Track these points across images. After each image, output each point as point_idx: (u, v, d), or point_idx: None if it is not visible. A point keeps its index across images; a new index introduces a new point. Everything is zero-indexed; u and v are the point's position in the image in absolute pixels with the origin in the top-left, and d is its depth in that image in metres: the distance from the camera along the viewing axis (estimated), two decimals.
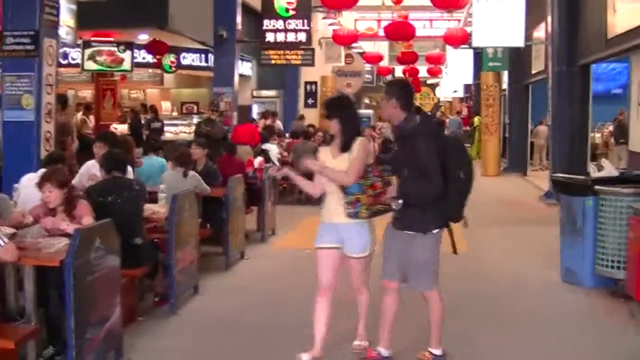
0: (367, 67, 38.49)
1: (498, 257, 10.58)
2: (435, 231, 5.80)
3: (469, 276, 9.43)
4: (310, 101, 28.52)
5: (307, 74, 27.92)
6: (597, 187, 8.00)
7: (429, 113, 51.12)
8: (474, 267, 9.96)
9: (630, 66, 12.28)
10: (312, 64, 21.17)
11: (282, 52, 20.02)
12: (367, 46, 35.20)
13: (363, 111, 41.10)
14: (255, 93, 26.68)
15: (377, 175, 5.68)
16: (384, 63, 38.87)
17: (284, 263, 10.08)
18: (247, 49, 22.66)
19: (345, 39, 25.53)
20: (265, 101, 26.66)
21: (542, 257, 10.06)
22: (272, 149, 16.07)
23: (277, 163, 15.31)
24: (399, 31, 21.12)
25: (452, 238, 6.05)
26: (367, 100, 54.33)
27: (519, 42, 17.67)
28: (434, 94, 54.77)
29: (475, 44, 18.40)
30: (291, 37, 18.58)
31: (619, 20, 12.27)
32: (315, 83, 28.58)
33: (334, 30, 25.43)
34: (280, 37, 18.66)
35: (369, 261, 6.01)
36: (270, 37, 18.83)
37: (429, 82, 53.47)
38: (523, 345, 6.74)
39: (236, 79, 18.09)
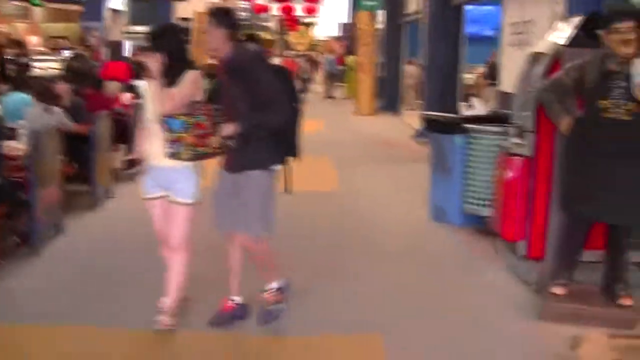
0: (243, 4, 37.99)
1: (369, 195, 10.61)
2: (274, 167, 5.40)
3: (339, 214, 9.45)
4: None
5: (182, 10, 27.33)
6: (466, 125, 8.06)
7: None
8: (345, 205, 9.98)
9: (502, 8, 12.37)
10: None
11: None
12: None
13: None
14: (126, 29, 25.88)
15: (205, 114, 5.05)
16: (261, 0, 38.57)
17: None
18: None
19: None
20: (138, 37, 25.87)
21: (413, 195, 10.15)
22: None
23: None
24: None
25: (287, 176, 5.61)
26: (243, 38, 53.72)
27: None
28: (311, 33, 54.69)
29: None
30: None
31: None
32: (190, 19, 27.94)
33: None
34: None
35: (193, 213, 5.42)
36: None
37: (306, 20, 53.39)
38: (390, 282, 6.77)
39: (106, 13, 17.44)
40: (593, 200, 5.62)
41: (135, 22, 26.11)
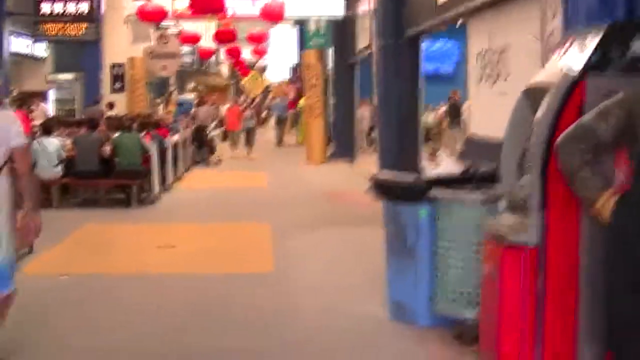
0: (187, 48, 35.69)
1: (309, 279, 8.21)
2: None
3: (265, 307, 7.10)
4: (117, 85, 25.60)
5: (113, 55, 25.03)
6: (433, 191, 5.73)
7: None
8: (275, 293, 7.60)
9: (467, 36, 10.19)
10: (98, 39, 18.23)
11: (61, 24, 17.02)
12: (192, 26, 32.48)
13: (185, 96, 38.52)
14: (50, 77, 23.52)
15: None
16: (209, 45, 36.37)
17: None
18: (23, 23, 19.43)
19: (152, 16, 22.88)
20: (63, 86, 23.56)
21: (367, 278, 7.78)
22: (50, 144, 12.98)
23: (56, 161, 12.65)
24: (207, 4, 18.63)
25: None
26: (192, 85, 51.56)
27: (338, 11, 15.43)
28: (263, 77, 52.71)
29: (288, 14, 16.02)
30: (71, 8, 15.65)
31: None
32: (123, 65, 25.63)
33: (138, 5, 22.70)
34: (59, 7, 15.68)
35: None
36: (46, 8, 15.81)
37: (258, 64, 51.37)
38: None
39: (5, 58, 15.05)
40: None
41: (59, 69, 23.77)
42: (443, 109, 21.59)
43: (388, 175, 6.43)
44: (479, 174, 6.06)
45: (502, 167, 4.67)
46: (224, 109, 28.53)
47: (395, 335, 6.12)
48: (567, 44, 4.44)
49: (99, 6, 17.71)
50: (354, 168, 20.08)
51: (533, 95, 4.52)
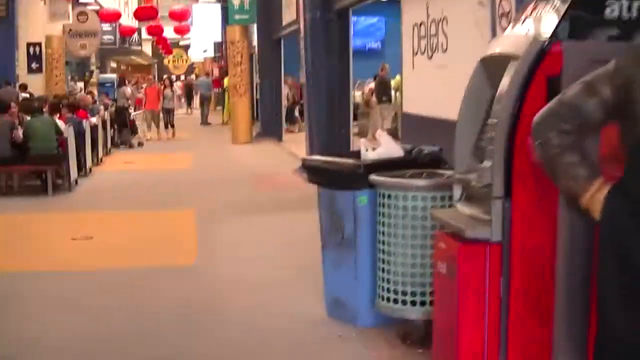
0: (107, 26, 34.45)
1: (237, 272, 7.51)
2: None
3: (185, 304, 6.44)
4: (34, 65, 24.37)
5: (30, 34, 23.81)
6: (373, 176, 5.10)
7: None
8: (202, 290, 6.91)
9: (400, 6, 9.58)
10: (5, 15, 17.12)
11: None
12: (112, 4, 31.31)
13: (106, 75, 37.37)
14: None
15: None
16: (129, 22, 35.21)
17: None
18: None
19: None
20: None
21: (300, 270, 7.15)
22: None
23: None
24: None
25: None
26: (113, 64, 50.13)
27: None
28: (187, 55, 51.59)
29: None
30: None
31: None
32: (40, 44, 24.40)
33: None
34: None
35: None
36: None
37: (182, 43, 50.22)
38: None
39: None
40: None
41: None
42: (371, 85, 21.01)
43: (322, 158, 5.74)
44: (424, 156, 5.46)
45: (455, 148, 4.06)
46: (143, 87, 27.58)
47: (333, 336, 5.50)
48: (531, 8, 3.84)
49: None
50: (281, 148, 19.44)
51: (491, 66, 3.92)
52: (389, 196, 4.95)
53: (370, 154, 5.53)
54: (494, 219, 3.59)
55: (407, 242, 4.89)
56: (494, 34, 5.34)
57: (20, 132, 12.30)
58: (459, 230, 3.69)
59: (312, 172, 5.69)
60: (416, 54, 8.86)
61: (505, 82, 3.57)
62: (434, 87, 8.29)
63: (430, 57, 8.39)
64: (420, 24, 8.66)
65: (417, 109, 8.81)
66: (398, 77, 18.68)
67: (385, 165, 5.29)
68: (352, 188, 5.30)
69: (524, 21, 3.84)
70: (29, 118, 12.81)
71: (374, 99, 20.43)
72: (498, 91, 3.62)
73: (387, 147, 5.57)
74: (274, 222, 9.81)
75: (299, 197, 10.86)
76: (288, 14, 18.40)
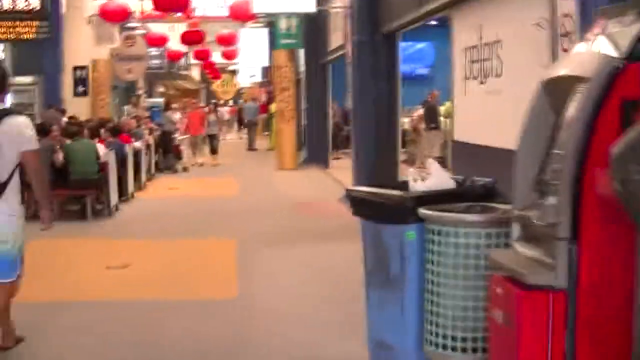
0: (154, 51, 34.50)
1: (276, 309, 7.11)
2: None
3: (229, 344, 6.05)
4: (80, 89, 24.30)
5: (75, 57, 23.77)
6: (423, 209, 4.68)
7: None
8: (241, 325, 6.54)
9: (451, 29, 9.18)
10: (50, 37, 17.01)
11: (10, 23, 15.77)
12: (159, 28, 31.31)
13: (153, 99, 37.40)
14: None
15: None
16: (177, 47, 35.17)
17: None
18: None
19: (115, 15, 21.82)
20: (19, 90, 22.22)
21: (342, 307, 6.75)
22: None
23: None
24: (171, 2, 17.55)
25: None
26: (161, 89, 50.29)
27: (310, 7, 14.35)
28: (236, 80, 51.60)
29: (256, 9, 14.92)
30: (21, 3, 14.47)
31: None
32: (86, 68, 24.37)
33: (100, 4, 21.62)
34: (6, 3, 14.49)
35: None
36: None
37: (230, 67, 50.20)
38: None
39: None
40: None
41: (18, 72, 22.39)
42: (419, 111, 20.57)
43: (367, 188, 5.33)
44: (477, 188, 5.03)
45: (514, 181, 3.64)
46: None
47: None
48: (599, 26, 3.42)
49: (54, 2, 16.50)
50: (327, 175, 19.08)
51: (554, 89, 3.50)
52: (439, 232, 4.52)
53: (419, 185, 5.11)
54: (559, 262, 3.17)
55: (458, 282, 4.46)
56: (554, 56, 4.92)
57: (60, 156, 12.10)
58: (519, 275, 3.27)
59: (357, 203, 5.27)
60: (468, 79, 8.45)
61: (572, 107, 3.15)
62: (487, 113, 7.87)
63: (483, 82, 7.97)
64: (473, 48, 8.26)
65: (469, 137, 8.39)
66: (448, 103, 18.25)
67: (436, 198, 4.87)
68: (399, 222, 4.88)
69: (592, 40, 3.42)
70: (68, 142, 12.61)
71: (422, 125, 19.98)
72: (563, 117, 3.20)
73: (437, 178, 5.15)
74: (317, 253, 9.42)
75: (342, 226, 10.45)
76: (335, 38, 18.09)
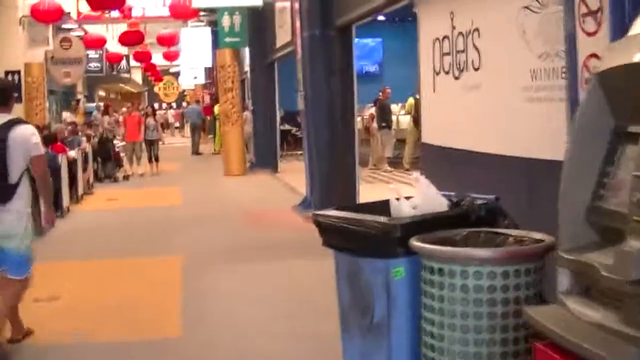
0: (93, 53, 33.12)
1: (229, 347, 6.05)
2: None
3: None
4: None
5: (8, 61, 22.38)
6: (416, 241, 3.67)
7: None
8: None
9: (417, 19, 8.18)
10: None
11: None
12: (96, 29, 29.97)
13: (92, 104, 36.11)
14: None
15: None
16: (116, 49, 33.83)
17: None
18: None
19: (48, 16, 20.54)
20: None
21: (309, 341, 5.72)
22: None
23: None
24: None
25: None
26: (101, 93, 48.74)
27: (256, 0, 13.24)
28: (178, 83, 50.33)
29: (195, 4, 13.73)
30: None
31: None
32: (19, 72, 22.98)
33: (32, 4, 20.34)
34: None
35: None
36: None
37: (173, 70, 48.82)
38: None
39: None
40: None
41: None
42: (371, 110, 19.65)
43: (339, 213, 4.26)
44: (477, 209, 4.04)
45: (561, 212, 2.64)
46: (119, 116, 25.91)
47: None
48: None
49: None
50: (277, 179, 18.04)
51: (615, 84, 2.50)
52: (440, 271, 3.51)
53: (404, 207, 4.10)
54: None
55: (468, 336, 3.45)
56: (570, 41, 3.94)
57: None
58: (590, 355, 2.25)
59: (328, 231, 4.24)
60: (438, 73, 7.46)
61: None
62: (463, 112, 6.89)
63: (457, 77, 6.99)
64: (444, 38, 7.27)
65: (442, 140, 7.40)
66: (411, 99, 17.30)
67: (428, 224, 3.87)
68: (383, 255, 3.87)
69: None
70: None
71: (374, 125, 19.06)
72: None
73: (426, 198, 4.15)
74: (272, 273, 8.36)
75: (298, 240, 9.45)
76: (282, 35, 17.05)
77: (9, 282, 6.01)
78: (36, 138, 6.03)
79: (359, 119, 19.95)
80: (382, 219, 3.88)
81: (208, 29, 28.78)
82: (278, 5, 17.20)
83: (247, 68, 22.09)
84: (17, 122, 6.01)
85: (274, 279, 8.09)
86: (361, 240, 3.95)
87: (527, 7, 5.52)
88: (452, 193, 4.33)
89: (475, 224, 3.94)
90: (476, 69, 6.58)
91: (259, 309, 6.99)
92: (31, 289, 7.92)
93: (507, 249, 3.49)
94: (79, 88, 35.01)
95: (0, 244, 5.92)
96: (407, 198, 4.25)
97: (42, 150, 6.14)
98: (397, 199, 4.19)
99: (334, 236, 4.18)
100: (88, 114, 30.59)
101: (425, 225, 3.83)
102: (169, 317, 6.92)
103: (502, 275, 3.38)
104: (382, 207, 4.23)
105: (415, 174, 4.33)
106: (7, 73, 22.60)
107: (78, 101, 34.16)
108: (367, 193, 12.23)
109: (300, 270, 8.18)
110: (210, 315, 6.91)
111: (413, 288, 3.78)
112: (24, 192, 5.92)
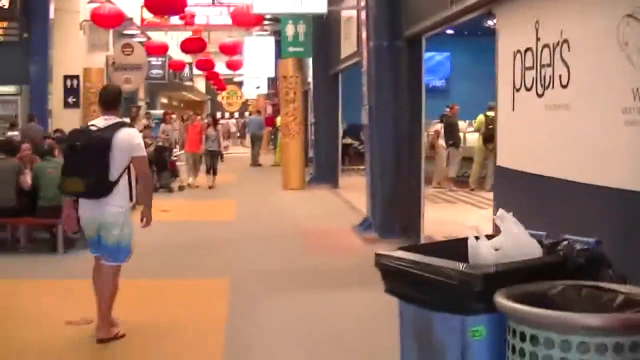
0: (155, 60, 32.85)
1: None
2: None
3: None
4: (71, 100, 22.67)
5: (67, 66, 22.12)
6: (502, 298, 2.94)
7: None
8: None
9: (496, 30, 7.43)
10: (19, 40, 15.28)
11: None
12: (160, 36, 29.77)
13: (156, 111, 35.81)
14: None
15: None
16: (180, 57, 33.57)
17: None
18: None
19: (109, 20, 20.22)
20: (3, 100, 20.59)
21: None
22: None
23: None
24: (166, 3, 15.90)
25: None
26: (164, 100, 48.65)
27: (321, 7, 12.60)
28: (241, 92, 50.07)
29: (256, 10, 13.13)
30: None
31: None
32: (77, 77, 22.74)
33: (93, 8, 20.04)
34: None
35: None
36: None
37: (236, 79, 48.57)
38: None
39: None
40: None
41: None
42: (437, 127, 18.84)
43: (406, 254, 3.53)
44: (577, 256, 3.28)
45: None
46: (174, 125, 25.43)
47: None
48: None
49: (41, 5, 14.82)
50: (337, 195, 17.34)
51: None
52: (534, 338, 2.77)
53: (484, 249, 3.37)
54: None
55: None
56: None
57: (28, 178, 10.36)
58: None
59: (392, 276, 3.51)
60: (518, 90, 6.70)
61: None
62: (547, 134, 6.12)
63: (540, 95, 6.23)
64: (526, 51, 6.51)
65: (520, 164, 6.63)
66: (481, 116, 16.49)
67: (516, 274, 3.13)
68: (459, 311, 3.14)
69: None
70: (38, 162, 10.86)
71: (440, 142, 18.27)
72: None
73: (512, 239, 3.41)
74: (330, 305, 7.63)
75: (357, 266, 8.75)
76: (347, 46, 16.38)
77: (103, 267, 6.60)
78: (139, 140, 6.56)
79: (424, 135, 19.26)
80: (460, 266, 3.15)
81: (272, 39, 28.38)
82: (344, 15, 16.56)
83: (310, 79, 21.48)
84: (122, 124, 6.51)
85: (327, 312, 7.38)
86: (433, 290, 3.22)
87: (630, 15, 4.75)
88: (543, 233, 3.59)
89: (573, 275, 3.19)
90: (564, 86, 5.81)
91: (307, 351, 6.28)
92: (63, 310, 7.43)
93: (622, 316, 2.74)
94: (141, 95, 34.79)
95: (99, 233, 6.48)
96: (488, 237, 3.52)
97: (144, 152, 6.57)
98: (477, 238, 3.46)
99: (400, 283, 3.46)
100: (155, 123, 30.08)
101: (513, 276, 3.09)
102: (210, 349, 6.26)
103: (615, 349, 2.63)
104: (457, 247, 3.50)
105: (500, 212, 3.56)
106: (66, 77, 22.45)
107: (138, 107, 33.90)
108: (431, 214, 11.50)
109: (359, 304, 7.46)
110: (252, 351, 6.23)
111: (496, 352, 3.05)
112: (122, 189, 6.43)
